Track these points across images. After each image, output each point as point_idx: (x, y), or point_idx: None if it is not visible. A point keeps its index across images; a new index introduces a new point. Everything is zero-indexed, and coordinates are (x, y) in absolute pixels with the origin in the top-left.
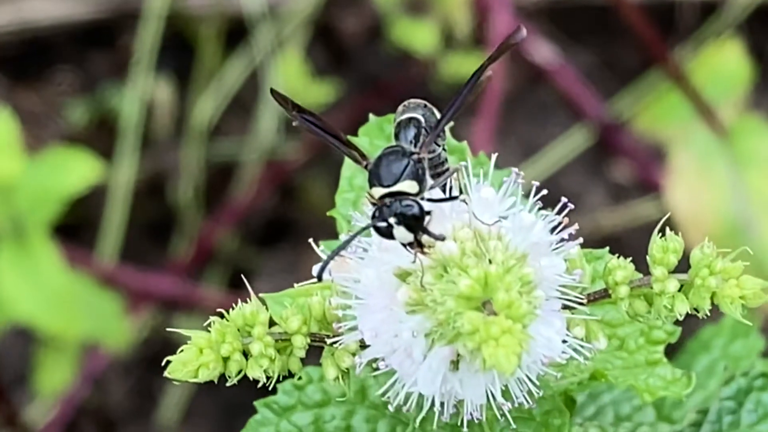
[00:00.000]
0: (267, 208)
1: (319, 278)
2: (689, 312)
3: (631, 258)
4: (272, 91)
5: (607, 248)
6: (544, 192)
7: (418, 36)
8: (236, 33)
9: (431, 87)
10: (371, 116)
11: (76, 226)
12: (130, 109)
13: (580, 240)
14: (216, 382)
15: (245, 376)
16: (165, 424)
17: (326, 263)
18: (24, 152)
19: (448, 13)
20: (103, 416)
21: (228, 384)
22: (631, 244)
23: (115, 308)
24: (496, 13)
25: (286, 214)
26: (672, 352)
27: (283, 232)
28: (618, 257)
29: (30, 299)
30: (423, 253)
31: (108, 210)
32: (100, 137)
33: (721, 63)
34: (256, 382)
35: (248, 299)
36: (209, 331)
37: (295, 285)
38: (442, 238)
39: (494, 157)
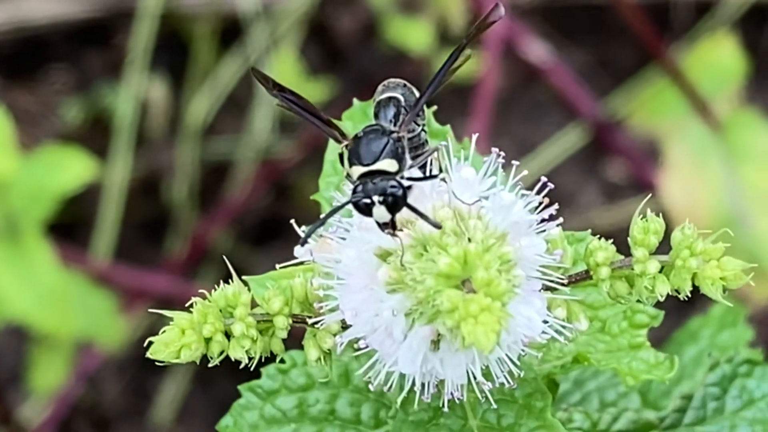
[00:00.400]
0: (261, 206)
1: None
2: (670, 293)
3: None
4: (253, 69)
5: (589, 230)
6: (525, 173)
7: (412, 35)
8: (231, 32)
9: (425, 85)
10: (355, 101)
11: (70, 225)
12: (125, 108)
13: (561, 220)
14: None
15: (239, 373)
16: (159, 423)
17: (304, 240)
18: (19, 151)
19: (443, 11)
20: (98, 415)
21: (210, 365)
22: (625, 243)
23: (109, 306)
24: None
25: (280, 212)
26: (660, 342)
27: (277, 231)
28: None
29: (24, 297)
30: (394, 235)
31: (102, 208)
32: (95, 136)
33: (715, 58)
34: (251, 379)
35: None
36: (192, 312)
37: (277, 266)
38: (437, 226)
39: (475, 137)
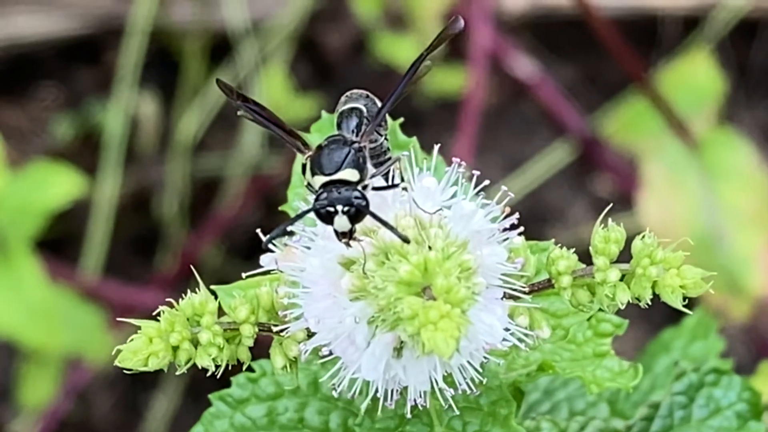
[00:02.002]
0: (251, 221)
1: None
2: (631, 301)
3: None
4: (217, 81)
5: (552, 240)
6: (487, 182)
7: (400, 50)
8: (220, 48)
9: (415, 101)
10: (323, 113)
11: (60, 240)
12: (115, 124)
13: (521, 229)
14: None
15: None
16: None
17: (266, 246)
18: (8, 167)
19: (425, 29)
20: (88, 430)
21: (177, 373)
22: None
23: (98, 322)
24: (478, 28)
25: (270, 227)
26: (633, 353)
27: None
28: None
29: (12, 313)
30: (349, 245)
31: (92, 224)
32: (85, 152)
33: (692, 77)
34: None
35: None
36: (158, 321)
37: (244, 275)
38: (405, 239)
39: (437, 147)
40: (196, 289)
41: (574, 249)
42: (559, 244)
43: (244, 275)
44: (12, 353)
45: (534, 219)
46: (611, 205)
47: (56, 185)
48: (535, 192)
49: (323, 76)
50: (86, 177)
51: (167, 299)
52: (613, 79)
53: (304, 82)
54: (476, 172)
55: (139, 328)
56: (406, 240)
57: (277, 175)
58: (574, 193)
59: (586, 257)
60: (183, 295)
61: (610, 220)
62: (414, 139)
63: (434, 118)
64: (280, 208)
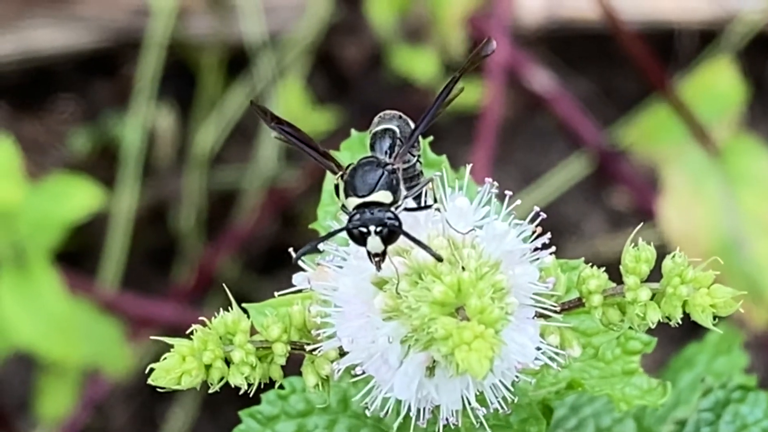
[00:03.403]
0: (268, 235)
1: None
2: (661, 320)
3: None
4: (252, 102)
5: (582, 258)
6: (518, 202)
7: (417, 64)
8: (237, 61)
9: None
10: (353, 131)
11: (78, 253)
12: (132, 137)
13: (554, 248)
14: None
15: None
16: None
17: (296, 261)
18: (26, 180)
19: (445, 41)
20: None
21: (210, 391)
22: None
23: (116, 335)
24: (495, 41)
25: (286, 240)
26: (657, 369)
27: (283, 259)
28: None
29: (31, 325)
30: (379, 267)
31: (110, 237)
32: (103, 165)
33: (714, 84)
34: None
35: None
36: (192, 339)
37: (276, 294)
38: (438, 257)
39: (469, 167)
40: (228, 308)
41: (591, 263)
42: (575, 257)
43: (276, 294)
44: (30, 365)
45: (550, 232)
46: (628, 218)
47: (75, 198)
48: (551, 205)
49: (340, 89)
50: (104, 190)
51: (200, 318)
52: (630, 91)
53: (321, 95)
54: (508, 192)
55: (158, 342)
56: (439, 258)
57: (294, 188)
58: (591, 206)
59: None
60: (200, 308)
61: (630, 234)
62: (444, 157)
63: (451, 131)
64: (310, 226)
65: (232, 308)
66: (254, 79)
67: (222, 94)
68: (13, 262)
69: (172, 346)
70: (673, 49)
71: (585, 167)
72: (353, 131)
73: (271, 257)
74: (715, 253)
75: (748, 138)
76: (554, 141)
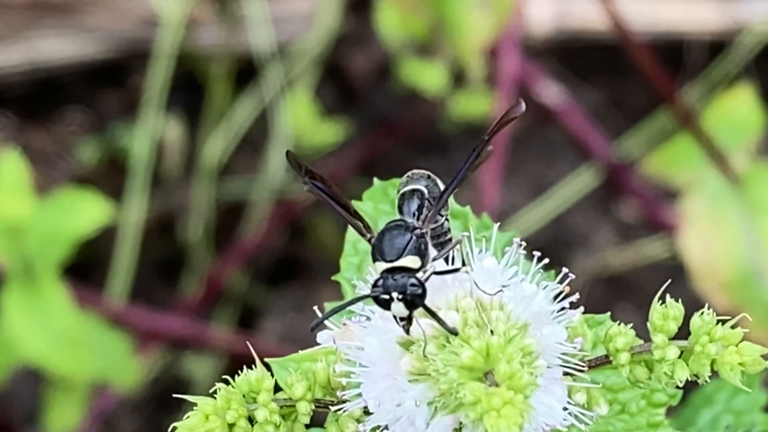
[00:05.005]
0: (276, 247)
1: (312, 329)
2: (689, 378)
3: (638, 297)
4: (288, 153)
5: (609, 313)
6: (546, 261)
7: (426, 76)
8: (246, 72)
9: (440, 126)
10: (375, 180)
11: (85, 265)
12: (141, 148)
13: (581, 309)
14: None
15: None
16: None
17: (318, 324)
18: (34, 192)
19: (460, 55)
20: None
21: None
22: (639, 284)
23: (125, 348)
24: (505, 53)
25: (295, 253)
26: (676, 406)
27: (292, 271)
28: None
29: (39, 339)
30: (407, 330)
31: (118, 249)
32: (111, 176)
33: (732, 108)
34: None
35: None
36: (215, 397)
37: (300, 351)
38: (454, 332)
39: (496, 227)
40: (253, 365)
41: (598, 274)
42: (583, 270)
43: (300, 352)
44: (38, 378)
45: (559, 244)
46: (637, 230)
47: (84, 212)
48: (560, 217)
49: (348, 100)
50: (112, 201)
51: (223, 377)
52: (639, 103)
53: (330, 106)
54: (537, 253)
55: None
56: (454, 333)
57: (303, 200)
58: (600, 218)
59: (610, 283)
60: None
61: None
62: (468, 209)
63: (459, 143)
64: (333, 278)
65: (255, 366)
66: (262, 90)
67: (230, 105)
68: (22, 277)
69: (181, 360)
70: (683, 60)
71: (594, 179)
72: (375, 180)
73: (280, 268)
74: (736, 283)
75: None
76: (564, 153)
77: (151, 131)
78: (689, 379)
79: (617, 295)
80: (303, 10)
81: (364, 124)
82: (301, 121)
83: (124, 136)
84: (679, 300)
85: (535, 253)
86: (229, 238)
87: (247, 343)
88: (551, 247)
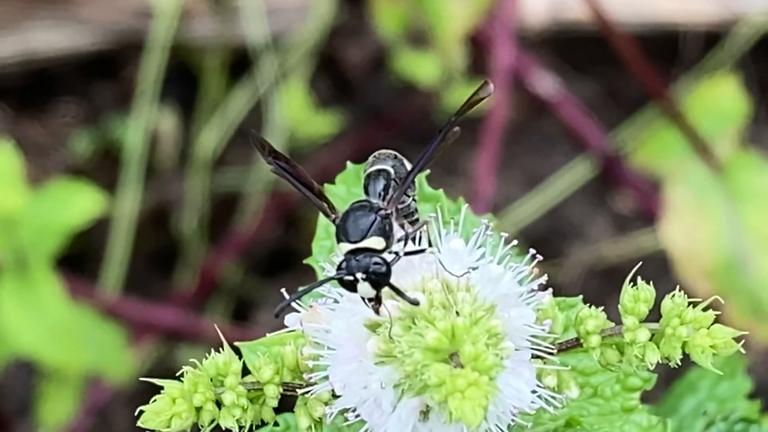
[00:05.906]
0: (271, 238)
1: (276, 315)
2: (660, 361)
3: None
4: (251, 134)
5: (581, 296)
6: (515, 242)
7: (421, 67)
8: (240, 64)
9: (434, 117)
10: (348, 164)
11: (79, 257)
12: (135, 140)
13: (550, 290)
14: None
15: None
16: None
17: (283, 308)
18: (28, 183)
19: (442, 44)
20: None
21: None
22: (634, 275)
23: (118, 340)
24: (499, 44)
25: (289, 244)
26: (660, 393)
27: (286, 263)
28: (590, 307)
29: (32, 331)
30: (377, 311)
31: (112, 240)
32: (105, 168)
33: (716, 98)
34: None
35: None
36: (182, 381)
37: (268, 335)
38: (415, 302)
39: (465, 208)
40: (220, 349)
41: (593, 266)
42: (579, 262)
43: (268, 335)
44: (31, 370)
45: (554, 235)
46: (632, 222)
47: (77, 204)
48: (555, 208)
49: (343, 91)
50: (105, 193)
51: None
52: (634, 94)
53: (324, 98)
54: (504, 234)
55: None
56: (415, 303)
57: (297, 193)
58: (595, 209)
59: (606, 274)
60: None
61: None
62: (440, 192)
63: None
64: (304, 261)
65: (223, 349)
66: (257, 82)
67: (224, 97)
68: (15, 269)
69: (174, 353)
70: (678, 51)
71: (589, 171)
72: (348, 164)
73: (274, 260)
74: (718, 271)
75: (750, 153)
76: (559, 144)
77: (145, 123)
78: (669, 363)
79: (613, 286)
80: (297, 2)
81: (359, 115)
82: (296, 112)
83: (118, 127)
84: (674, 290)
85: (503, 234)
86: (223, 230)
87: (215, 326)
88: (546, 239)
